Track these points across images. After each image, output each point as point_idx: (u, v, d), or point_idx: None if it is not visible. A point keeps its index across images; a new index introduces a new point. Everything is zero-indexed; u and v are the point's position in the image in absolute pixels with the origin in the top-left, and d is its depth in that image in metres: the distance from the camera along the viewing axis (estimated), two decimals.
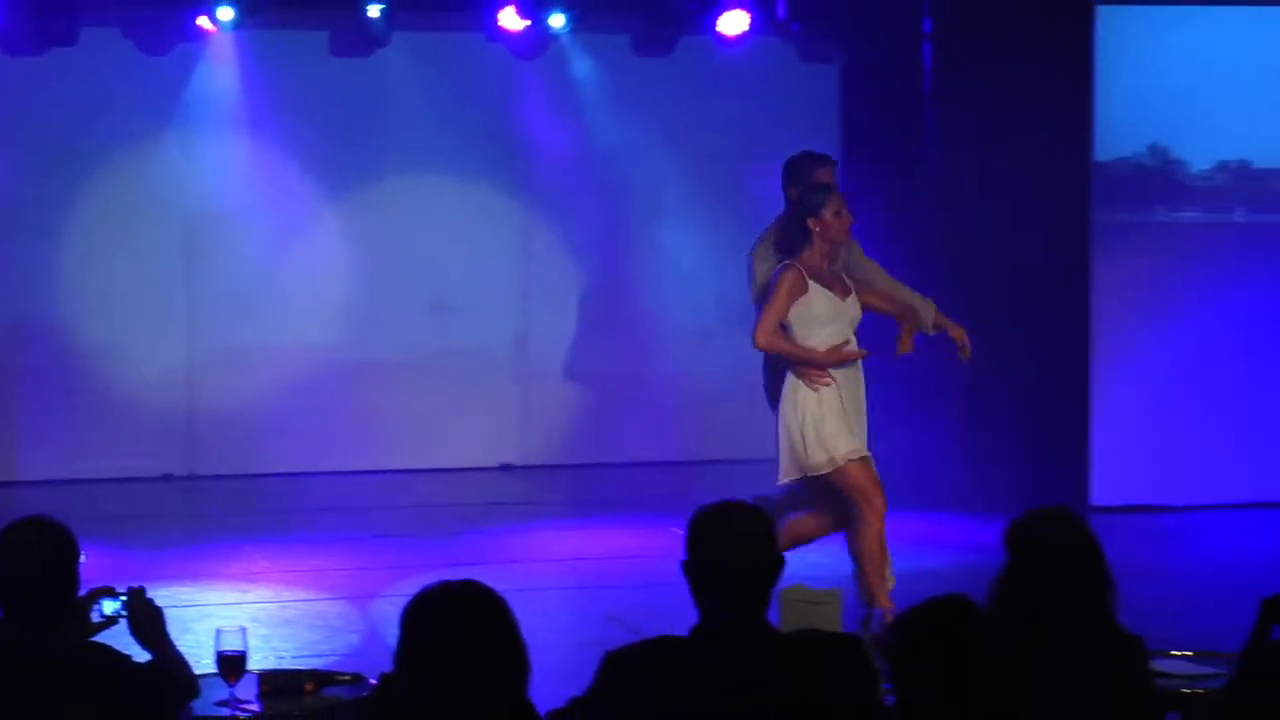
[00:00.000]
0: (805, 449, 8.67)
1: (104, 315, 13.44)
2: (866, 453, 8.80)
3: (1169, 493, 12.16)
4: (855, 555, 8.75)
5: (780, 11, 13.02)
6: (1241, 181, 12.32)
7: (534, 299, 14.21)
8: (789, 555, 4.74)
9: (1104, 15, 12.05)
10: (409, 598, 4.14)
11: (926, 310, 9.20)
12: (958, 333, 9.29)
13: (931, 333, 9.27)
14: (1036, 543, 4.92)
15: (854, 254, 9.23)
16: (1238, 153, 12.31)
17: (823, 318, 8.72)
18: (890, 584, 8.63)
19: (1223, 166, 12.26)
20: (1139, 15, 12.20)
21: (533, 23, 12.99)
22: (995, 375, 12.38)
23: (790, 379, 8.83)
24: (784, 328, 8.84)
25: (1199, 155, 12.22)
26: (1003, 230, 12.29)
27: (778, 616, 4.84)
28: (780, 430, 8.83)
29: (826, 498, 8.87)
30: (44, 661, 4.67)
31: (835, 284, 8.77)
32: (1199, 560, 10.85)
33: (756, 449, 13.94)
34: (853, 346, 8.81)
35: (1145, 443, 12.21)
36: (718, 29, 13.19)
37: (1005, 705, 4.25)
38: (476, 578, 4.18)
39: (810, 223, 8.72)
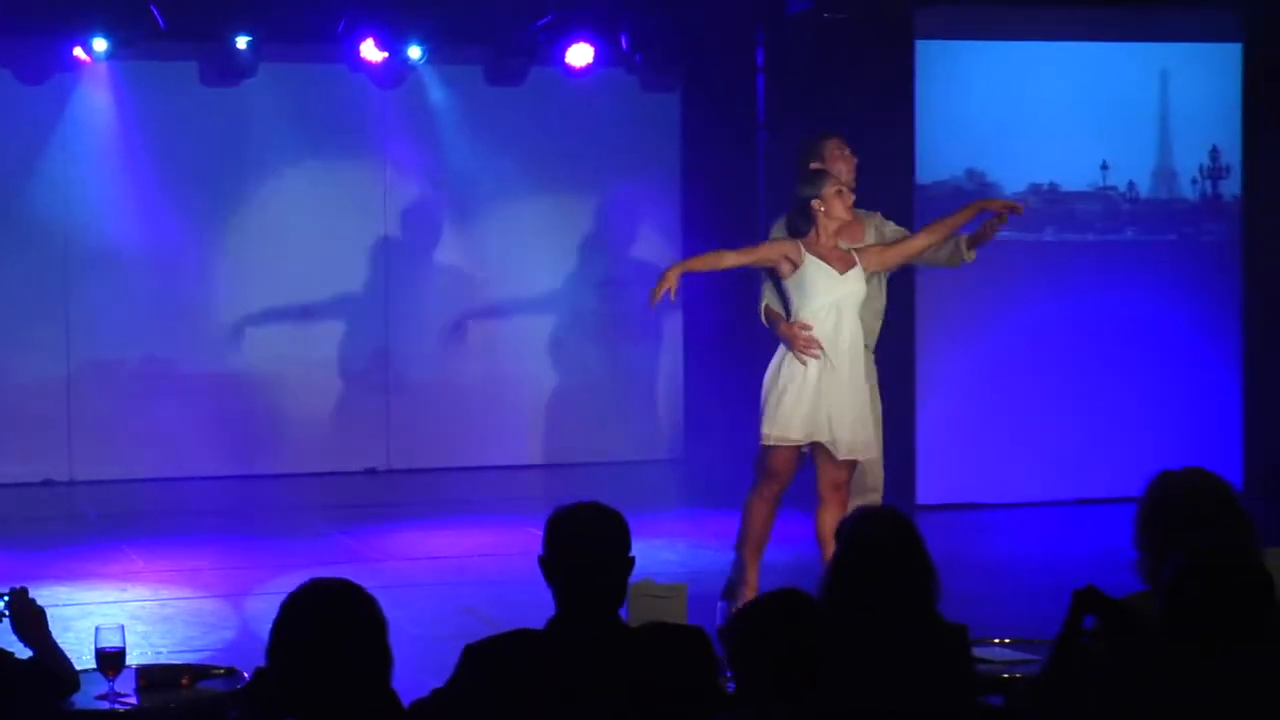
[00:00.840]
0: (762, 417, 8.54)
1: None
2: (816, 440, 8.49)
3: (987, 491, 12.31)
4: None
5: (624, 44, 13.05)
6: (1051, 203, 12.49)
7: (394, 313, 14.16)
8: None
9: (923, 49, 12.20)
10: (281, 596, 4.12)
11: (963, 221, 8.90)
12: (1000, 207, 8.93)
13: (972, 256, 9.00)
14: (864, 538, 4.96)
15: (888, 230, 8.99)
16: (1047, 176, 12.49)
17: (816, 290, 8.48)
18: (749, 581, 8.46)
19: (1034, 189, 12.41)
20: (956, 49, 12.35)
21: (391, 54, 12.94)
22: None
23: (781, 347, 8.68)
24: (784, 300, 8.64)
25: (1012, 178, 12.37)
26: None
27: (627, 610, 4.85)
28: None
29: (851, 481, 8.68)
30: None
31: (837, 260, 8.52)
32: (1015, 555, 10.97)
33: (607, 453, 14.07)
34: (853, 328, 8.53)
35: (965, 445, 12.34)
36: (565, 60, 13.21)
37: (837, 692, 4.28)
38: (344, 576, 4.16)
39: (814, 204, 8.54)
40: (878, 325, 8.96)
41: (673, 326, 14.26)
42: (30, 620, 4.97)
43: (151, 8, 12.04)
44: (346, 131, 13.88)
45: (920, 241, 8.85)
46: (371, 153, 13.99)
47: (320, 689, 4.00)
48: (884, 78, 12.12)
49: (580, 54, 13.12)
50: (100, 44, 12.42)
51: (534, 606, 4.85)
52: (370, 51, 12.82)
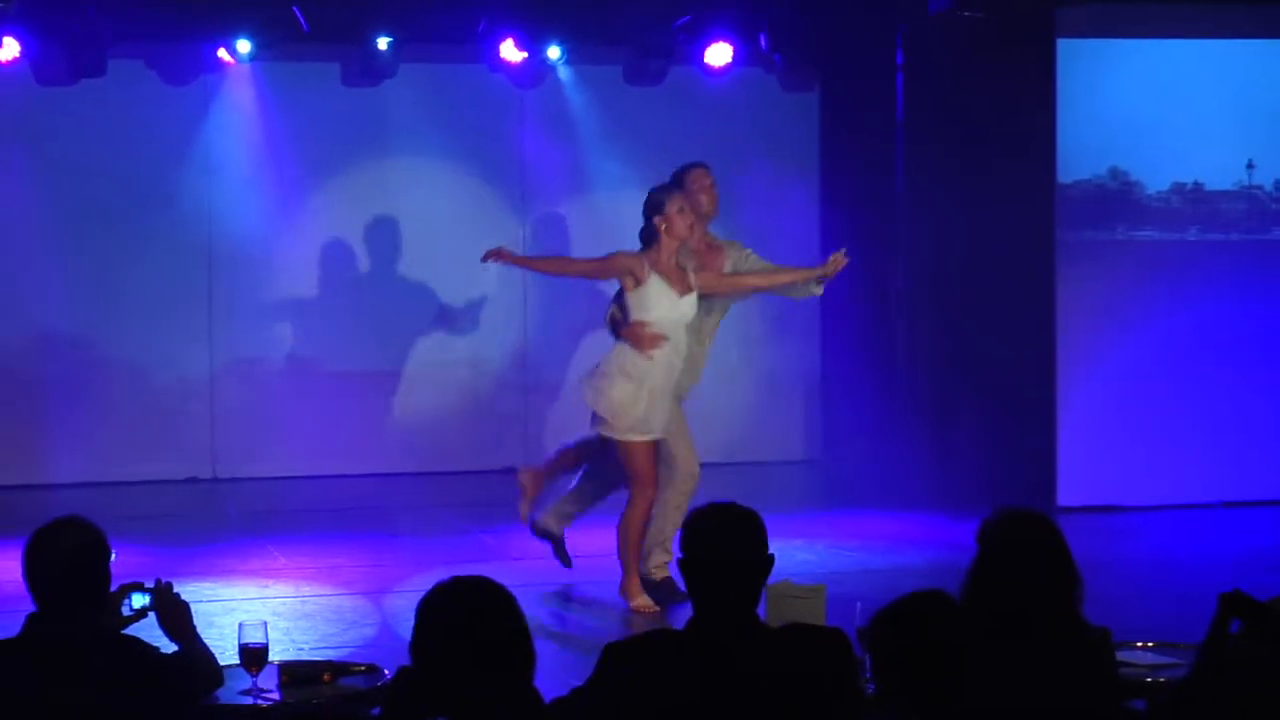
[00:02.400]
0: (597, 397, 9.00)
1: (132, 328, 13.44)
2: (657, 437, 8.99)
3: (1131, 493, 12.16)
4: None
5: (763, 44, 13.02)
6: (1194, 202, 12.33)
7: (533, 312, 14.21)
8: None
9: (1065, 47, 12.06)
10: (421, 593, 4.14)
11: (806, 274, 9.42)
12: (833, 271, 9.35)
13: (819, 290, 9.50)
14: (1006, 540, 4.91)
15: (750, 260, 9.51)
16: (1191, 175, 12.32)
17: (658, 306, 8.94)
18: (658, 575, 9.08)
19: (1178, 188, 12.27)
20: (1098, 48, 12.21)
21: (530, 54, 12.98)
22: (965, 383, 12.41)
23: (619, 343, 9.10)
24: (624, 310, 9.09)
25: (1155, 177, 12.23)
26: (972, 247, 12.31)
27: (765, 611, 4.83)
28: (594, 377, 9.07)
29: (603, 470, 9.26)
30: (78, 651, 4.67)
31: (678, 281, 8.98)
32: (1159, 557, 10.84)
33: (744, 453, 14.04)
34: (674, 342, 8.99)
35: (1108, 446, 12.20)
36: (704, 60, 13.20)
37: (979, 694, 4.25)
38: (484, 574, 4.17)
39: (656, 220, 8.98)
40: (699, 350, 9.43)
41: (810, 327, 14.21)
42: (176, 615, 5.03)
43: (294, 10, 12.16)
44: (485, 131, 13.95)
45: (752, 281, 9.40)
46: (510, 152, 14.06)
47: (462, 686, 4.01)
48: (1025, 76, 12.02)
49: (719, 53, 13.10)
50: (244, 46, 12.58)
51: (676, 606, 4.84)
52: (510, 52, 12.88)
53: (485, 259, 9.45)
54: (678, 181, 9.46)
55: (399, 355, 13.63)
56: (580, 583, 9.88)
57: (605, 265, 9.25)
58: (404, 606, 8.98)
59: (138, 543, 10.38)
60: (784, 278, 9.47)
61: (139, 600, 5.03)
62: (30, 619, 4.71)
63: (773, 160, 14.33)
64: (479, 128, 13.92)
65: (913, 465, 12.51)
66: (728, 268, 9.38)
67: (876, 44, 12.81)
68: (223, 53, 12.82)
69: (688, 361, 9.25)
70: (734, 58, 13.14)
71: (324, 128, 13.62)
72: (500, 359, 14.16)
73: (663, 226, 8.98)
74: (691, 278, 9.05)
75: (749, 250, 9.62)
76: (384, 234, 13.76)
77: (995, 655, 4.54)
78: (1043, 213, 12.11)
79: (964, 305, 12.37)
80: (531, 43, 12.85)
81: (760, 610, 4.68)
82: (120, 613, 5.00)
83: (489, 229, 13.95)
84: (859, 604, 5.37)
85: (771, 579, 4.76)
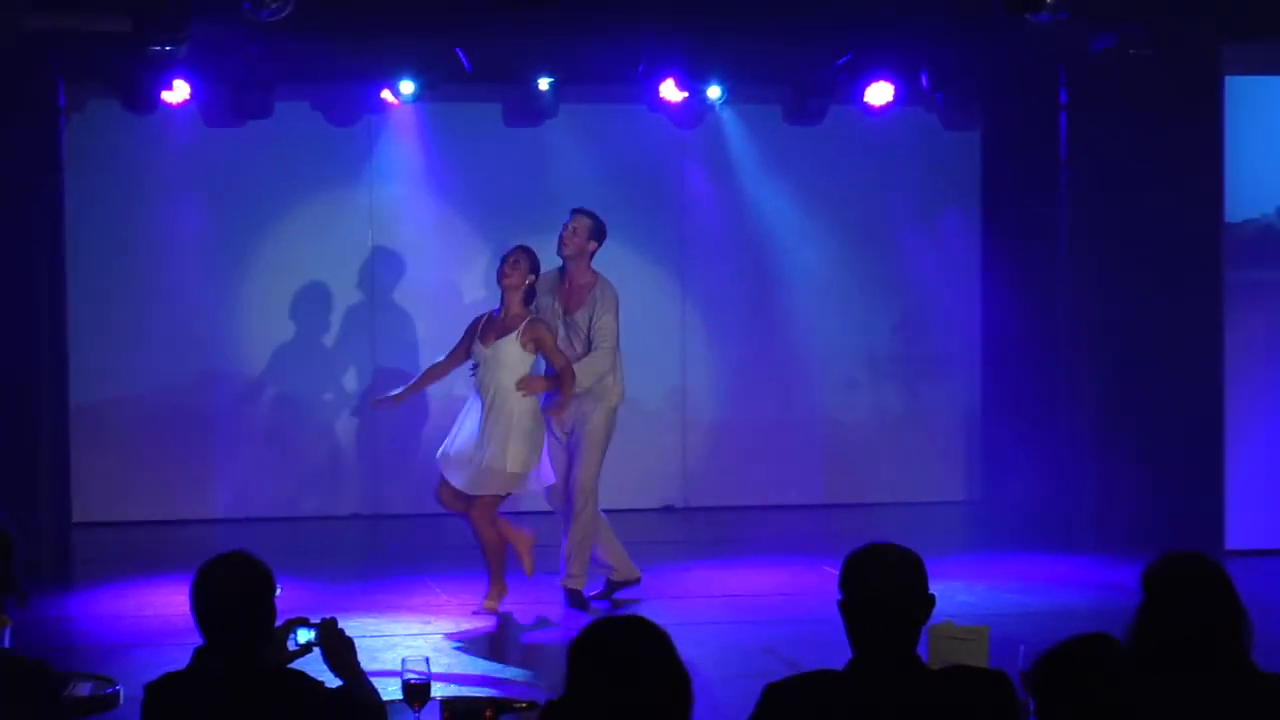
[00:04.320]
0: (524, 457, 9.91)
1: (297, 364, 13.64)
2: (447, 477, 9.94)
3: None
4: None
5: (924, 83, 12.97)
6: None
7: (691, 351, 14.23)
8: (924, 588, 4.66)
9: (1233, 84, 11.91)
10: (578, 630, 4.14)
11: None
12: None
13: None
14: (1173, 584, 4.84)
15: (600, 317, 10.26)
16: None
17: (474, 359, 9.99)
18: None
19: None
20: (1267, 84, 12.06)
21: (691, 94, 13.02)
22: (1129, 422, 12.25)
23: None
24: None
25: None
26: (1138, 286, 12.17)
27: (927, 652, 4.79)
28: None
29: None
30: (244, 685, 4.71)
31: (490, 333, 9.90)
32: None
33: (903, 493, 13.96)
34: (490, 384, 9.89)
35: (1279, 488, 11.99)
36: (865, 99, 13.16)
37: None
38: (640, 613, 4.17)
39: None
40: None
41: (970, 366, 14.12)
42: (340, 651, 5.06)
43: (457, 51, 12.28)
44: (645, 171, 14.00)
45: (556, 361, 9.98)
46: (670, 192, 14.11)
47: None
48: (1191, 113, 11.87)
49: (880, 92, 13.06)
50: (407, 87, 12.73)
51: (833, 647, 4.82)
52: (670, 91, 12.92)
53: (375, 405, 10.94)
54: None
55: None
56: (740, 622, 9.86)
57: (463, 345, 10.18)
58: (562, 644, 9.01)
59: (302, 578, 10.50)
60: (565, 377, 9.98)
61: (304, 635, 5.07)
62: (198, 652, 4.77)
63: (934, 200, 14.28)
64: (639, 167, 13.98)
65: (1074, 506, 12.37)
66: (589, 308, 10.18)
67: (1039, 82, 12.71)
68: (386, 94, 12.98)
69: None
70: (895, 96, 13.10)
71: (486, 168, 13.73)
72: (658, 397, 14.17)
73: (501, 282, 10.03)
74: (521, 326, 9.87)
75: (612, 298, 10.31)
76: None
77: (1162, 701, 4.47)
78: (1210, 252, 11.96)
79: (1128, 344, 12.22)
80: (692, 82, 12.88)
81: (921, 651, 4.64)
82: (285, 647, 5.05)
83: (649, 267, 14.03)
84: (1022, 647, 5.30)
85: (932, 620, 4.72)
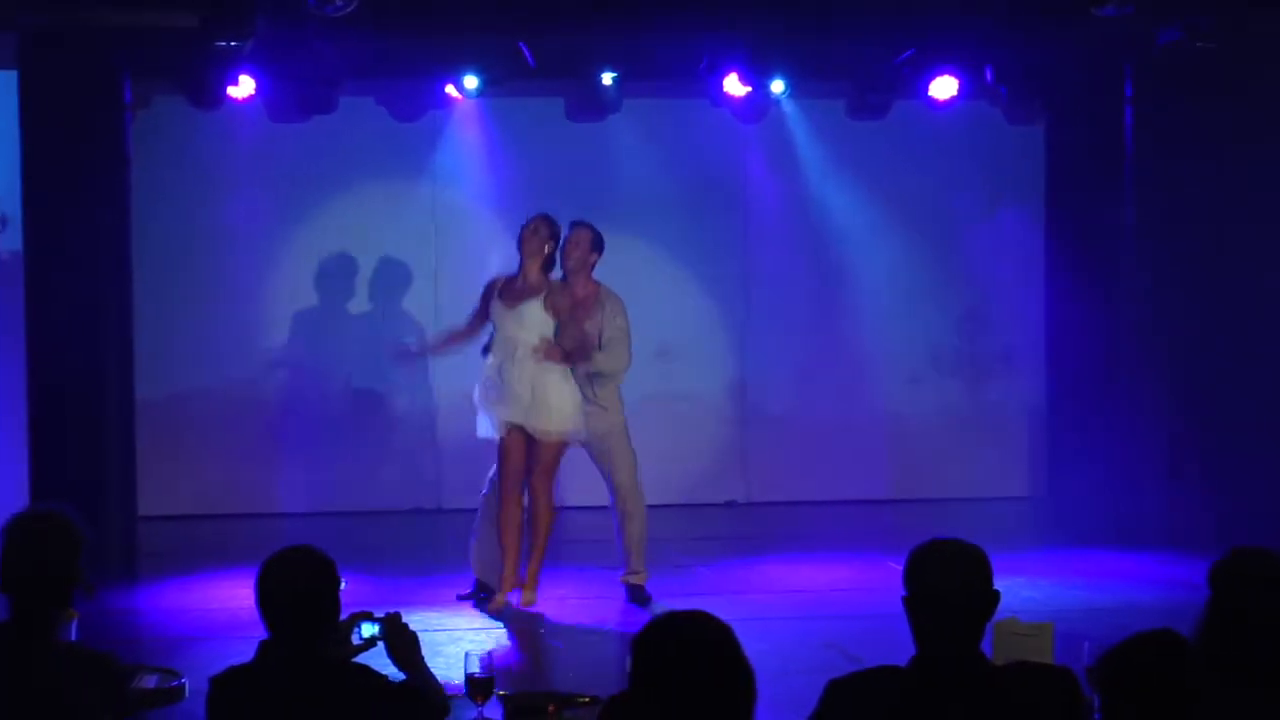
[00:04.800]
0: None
1: (360, 360, 13.68)
2: (485, 436, 10.10)
3: None
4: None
5: (988, 77, 12.92)
6: None
7: (751, 346, 14.22)
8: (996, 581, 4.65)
9: None
10: (641, 626, 4.14)
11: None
12: None
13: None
14: (1241, 581, 4.81)
15: (613, 319, 10.44)
16: None
17: (494, 322, 10.11)
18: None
19: None
20: None
21: (754, 89, 12.99)
22: (1197, 418, 12.18)
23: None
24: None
25: None
26: (1205, 280, 12.10)
27: (991, 648, 4.77)
28: None
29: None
30: (308, 678, 4.73)
31: (510, 295, 10.01)
32: None
33: (967, 488, 13.92)
34: (519, 349, 9.94)
35: None
36: (929, 94, 13.11)
37: None
38: (703, 608, 4.16)
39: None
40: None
41: (1035, 361, 14.05)
42: (404, 645, 5.08)
43: (521, 46, 12.30)
44: (708, 166, 14.00)
45: (570, 334, 10.06)
46: (733, 186, 14.11)
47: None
48: (1259, 106, 11.79)
49: (944, 87, 13.01)
50: (471, 82, 12.75)
51: (896, 643, 4.81)
52: (733, 86, 12.90)
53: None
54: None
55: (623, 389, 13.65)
56: (802, 618, 9.85)
57: (479, 311, 10.28)
58: (624, 640, 9.02)
59: (365, 572, 10.54)
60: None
61: (368, 629, 5.09)
62: (263, 646, 4.79)
63: (998, 194, 14.22)
64: (702, 162, 13.98)
65: (1140, 502, 12.31)
66: (593, 321, 10.25)
67: (1104, 75, 12.64)
68: (450, 88, 13.01)
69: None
70: (959, 91, 13.04)
71: (549, 162, 13.75)
72: (718, 392, 14.17)
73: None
74: (544, 292, 10.00)
75: (619, 315, 10.43)
76: (608, 267, 13.83)
77: (1228, 699, 4.44)
78: (1274, 248, 11.87)
79: (1196, 339, 12.16)
80: (755, 77, 12.86)
81: (986, 648, 4.63)
82: (350, 641, 5.07)
83: (711, 262, 14.03)
84: (1086, 643, 5.29)
85: (996, 616, 4.70)
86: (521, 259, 10.11)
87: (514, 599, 9.99)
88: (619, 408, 10.43)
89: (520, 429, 9.94)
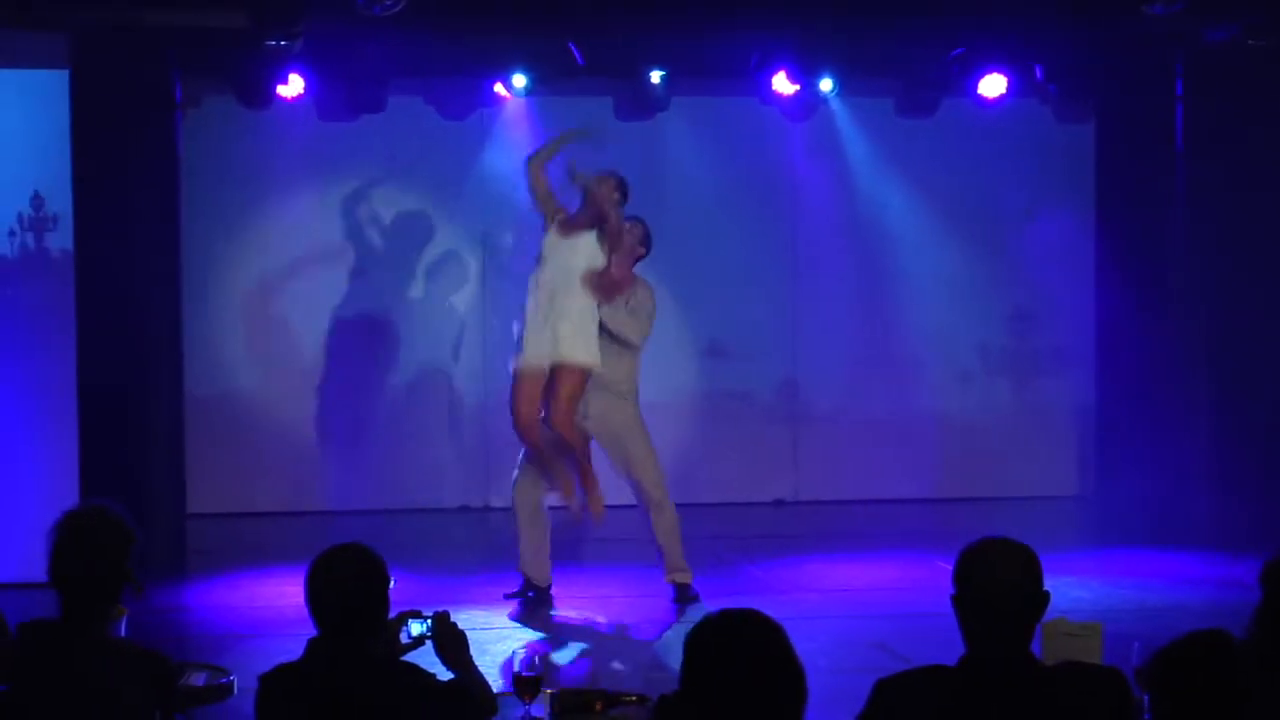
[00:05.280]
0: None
1: (406, 357, 13.73)
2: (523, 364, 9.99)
3: None
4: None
5: (1038, 75, 12.88)
6: None
7: (802, 343, 14.20)
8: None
9: None
10: (688, 625, 4.14)
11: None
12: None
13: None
14: None
15: (642, 301, 10.30)
16: None
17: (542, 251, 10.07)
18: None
19: None
20: None
21: (803, 87, 12.99)
22: (1246, 418, 12.12)
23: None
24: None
25: None
26: (1256, 280, 12.04)
27: (1040, 648, 4.75)
28: None
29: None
30: (357, 675, 4.74)
31: (565, 227, 10.05)
32: None
33: (1016, 487, 13.88)
34: (553, 273, 9.96)
35: None
36: (978, 91, 13.09)
37: None
38: (752, 607, 4.16)
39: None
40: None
41: (1084, 359, 14.00)
42: (453, 645, 5.08)
43: (570, 45, 12.31)
44: (757, 163, 14.00)
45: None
46: (782, 184, 14.09)
47: (730, 719, 4.00)
48: None
49: (993, 85, 12.98)
50: (520, 80, 12.78)
51: (944, 643, 4.79)
52: (782, 84, 12.89)
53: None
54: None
55: (668, 386, 13.65)
56: (851, 617, 9.83)
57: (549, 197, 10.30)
58: (673, 638, 9.01)
59: (413, 570, 10.56)
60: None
61: (417, 628, 5.09)
62: (311, 644, 4.80)
63: (1048, 192, 14.18)
64: (751, 160, 13.97)
65: (1190, 502, 12.25)
66: (625, 300, 10.19)
67: (1154, 73, 12.59)
68: (499, 87, 13.04)
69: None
70: (1008, 88, 13.02)
71: (598, 161, 13.71)
72: (768, 391, 14.16)
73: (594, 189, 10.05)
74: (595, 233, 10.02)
75: (649, 301, 10.32)
76: (658, 266, 13.83)
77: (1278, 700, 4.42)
78: None
79: (1246, 338, 12.10)
80: (804, 75, 12.86)
81: (1035, 648, 4.61)
82: (398, 640, 5.08)
83: (760, 261, 14.02)
84: (1136, 643, 5.26)
85: (1046, 616, 4.68)
86: (584, 195, 10.13)
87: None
88: (634, 395, 10.31)
89: (541, 373, 9.92)
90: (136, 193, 11.39)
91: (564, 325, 9.86)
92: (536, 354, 9.87)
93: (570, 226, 10.03)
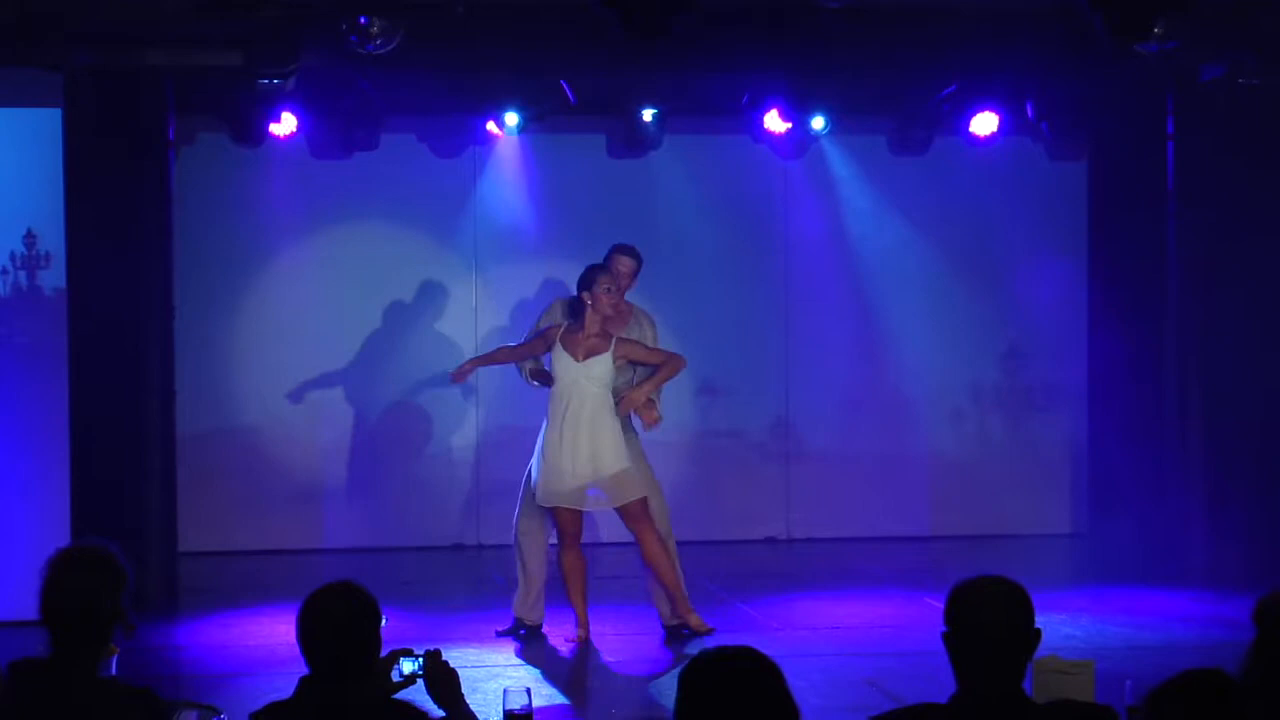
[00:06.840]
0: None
1: (402, 397, 13.72)
2: (556, 505, 10.01)
3: None
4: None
5: (1029, 113, 12.91)
6: None
7: (794, 382, 14.21)
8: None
9: None
10: (683, 662, 4.14)
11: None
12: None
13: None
14: None
15: (647, 333, 10.30)
16: None
17: (557, 371, 9.94)
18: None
19: None
20: None
21: (794, 125, 13.02)
22: (1239, 456, 12.13)
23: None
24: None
25: None
26: (1247, 319, 12.06)
27: (1032, 686, 4.75)
28: None
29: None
30: (348, 715, 4.73)
31: (580, 348, 9.88)
32: None
33: (1008, 525, 13.88)
34: (579, 399, 9.85)
35: None
36: (970, 130, 13.13)
37: None
38: (745, 644, 4.16)
39: (584, 296, 9.91)
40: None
41: (1077, 398, 14.01)
42: (443, 682, 5.08)
43: (562, 83, 12.34)
44: (749, 201, 14.03)
45: (655, 359, 10.11)
46: (774, 222, 14.12)
47: None
48: None
49: (985, 123, 13.03)
50: (512, 118, 12.80)
51: (937, 680, 4.79)
52: (774, 122, 12.92)
53: (455, 380, 10.73)
54: (606, 261, 10.17)
55: (662, 424, 13.62)
56: (843, 655, 9.82)
57: (529, 347, 10.21)
58: (668, 677, 9.01)
59: (405, 608, 10.54)
60: (658, 376, 10.13)
61: (409, 666, 5.09)
62: (303, 682, 4.79)
63: (1040, 230, 14.20)
64: (743, 198, 14.00)
65: (1182, 540, 12.25)
66: (633, 331, 10.20)
67: (1146, 112, 12.62)
68: (491, 125, 13.07)
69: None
70: (1000, 127, 13.06)
71: (590, 198, 13.78)
72: (760, 428, 14.16)
73: (589, 302, 9.87)
74: (613, 346, 9.91)
75: (649, 319, 10.38)
76: (651, 302, 13.86)
77: None
78: None
79: (1238, 376, 12.11)
80: (795, 113, 12.89)
81: (1027, 686, 4.61)
82: (390, 678, 5.07)
83: (753, 298, 14.03)
84: (1128, 682, 5.26)
85: (1037, 654, 4.68)
86: (594, 310, 9.92)
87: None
88: (633, 428, 10.30)
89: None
90: (129, 230, 11.39)
91: (606, 441, 9.88)
92: (574, 477, 9.89)
93: (579, 349, 9.95)
